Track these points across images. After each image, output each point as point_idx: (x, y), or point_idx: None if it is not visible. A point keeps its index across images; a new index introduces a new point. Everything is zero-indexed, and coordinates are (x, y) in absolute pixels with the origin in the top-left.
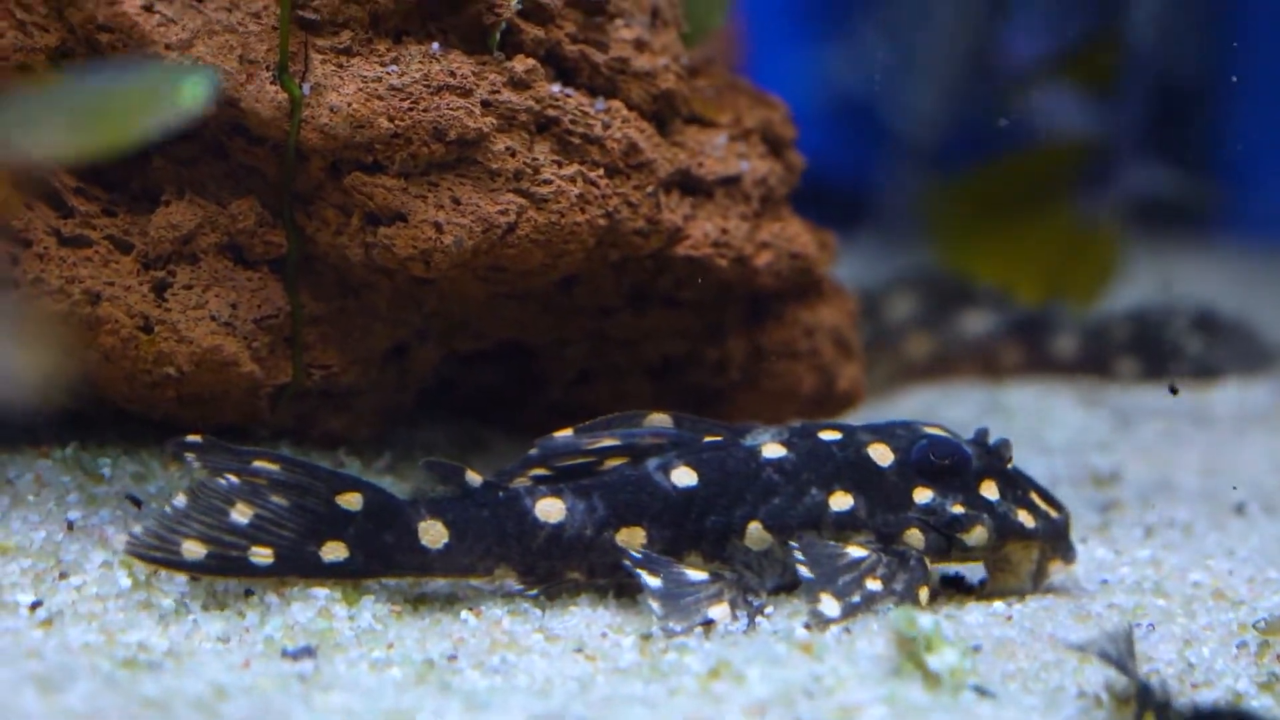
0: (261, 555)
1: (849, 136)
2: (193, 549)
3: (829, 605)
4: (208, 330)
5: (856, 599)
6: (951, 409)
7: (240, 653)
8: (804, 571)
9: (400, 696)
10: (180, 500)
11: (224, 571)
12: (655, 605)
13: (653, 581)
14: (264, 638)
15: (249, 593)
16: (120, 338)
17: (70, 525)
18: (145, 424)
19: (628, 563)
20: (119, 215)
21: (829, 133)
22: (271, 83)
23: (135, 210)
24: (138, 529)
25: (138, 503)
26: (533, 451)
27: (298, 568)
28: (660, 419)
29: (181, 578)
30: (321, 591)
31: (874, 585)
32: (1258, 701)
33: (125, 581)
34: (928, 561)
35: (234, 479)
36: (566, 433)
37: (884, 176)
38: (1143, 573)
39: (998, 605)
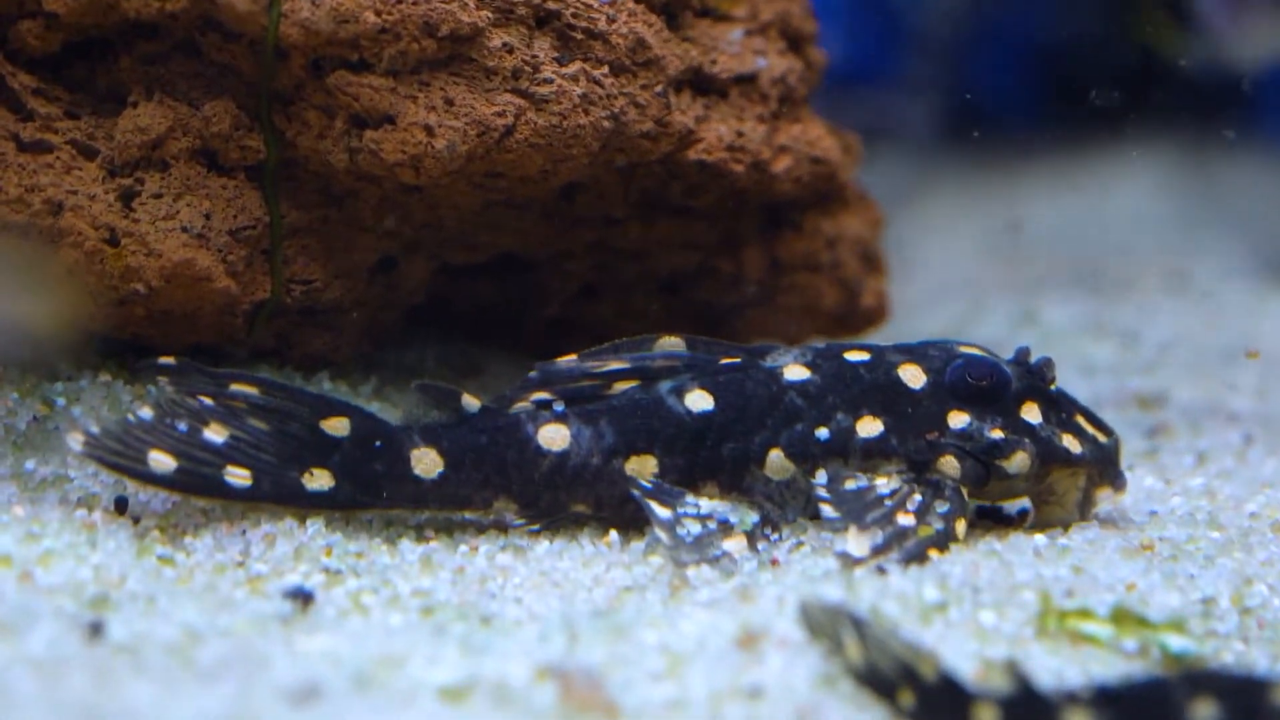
0: (238, 476)
1: (866, 31)
2: (161, 460)
3: (856, 544)
4: (179, 242)
5: (885, 536)
6: (981, 327)
7: (218, 592)
8: (828, 511)
9: (390, 640)
10: (146, 412)
11: (195, 490)
12: (664, 537)
13: (662, 512)
14: (251, 575)
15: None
16: (84, 251)
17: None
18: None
19: (636, 492)
20: (83, 118)
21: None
22: None
23: (100, 113)
24: (95, 427)
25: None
26: (532, 374)
27: (278, 494)
28: (672, 342)
29: (157, 504)
30: (310, 525)
31: (905, 520)
32: None
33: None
34: (964, 492)
35: (208, 401)
36: (570, 358)
37: (904, 73)
38: (1195, 503)
39: (1040, 539)
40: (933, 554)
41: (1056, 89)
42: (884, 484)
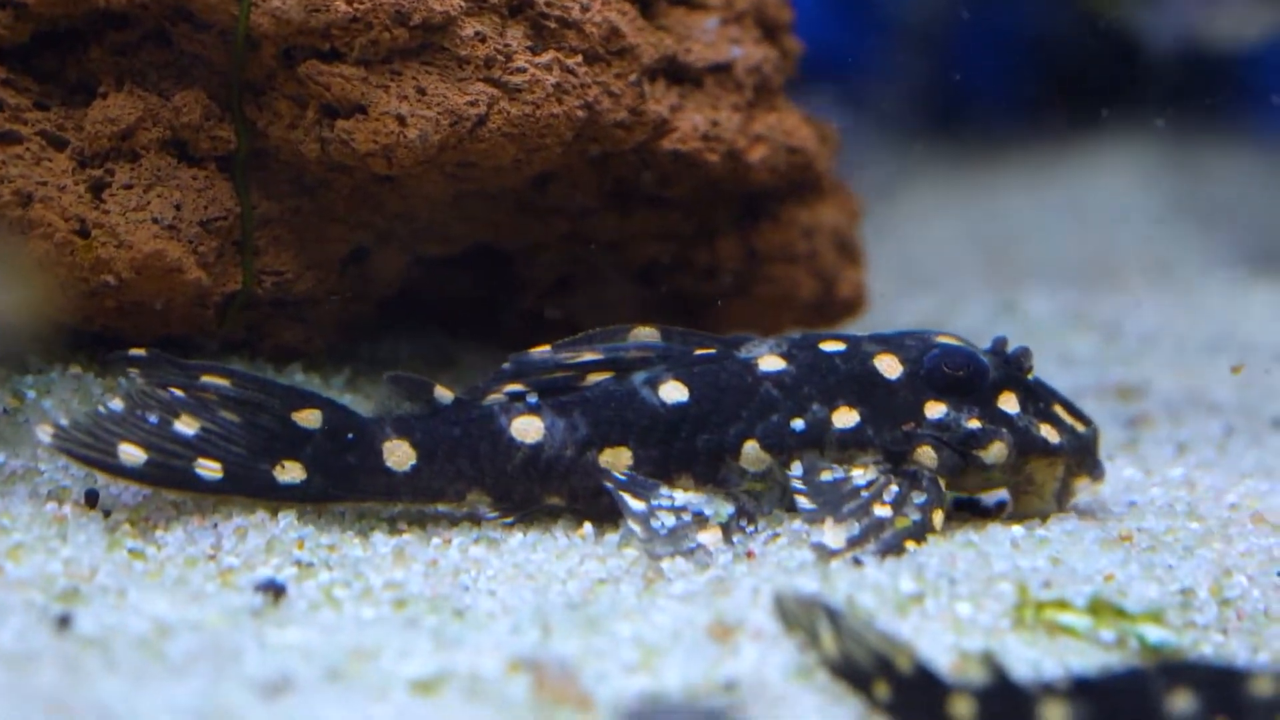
0: (209, 469)
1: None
2: (131, 453)
3: (832, 535)
4: (149, 234)
5: (861, 528)
6: (961, 318)
7: (190, 585)
8: (804, 502)
9: (362, 633)
10: (116, 404)
11: (165, 483)
12: (638, 529)
13: (636, 505)
14: (222, 567)
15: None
16: (54, 242)
17: None
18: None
19: (609, 484)
20: (52, 109)
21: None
22: None
23: (70, 103)
24: (64, 420)
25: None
26: (506, 365)
27: (249, 487)
28: (647, 332)
29: (128, 498)
30: (282, 518)
31: (882, 512)
32: None
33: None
34: (942, 482)
35: (178, 393)
36: (544, 349)
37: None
38: (1175, 494)
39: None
40: (910, 545)
41: (1038, 79)
42: (860, 475)
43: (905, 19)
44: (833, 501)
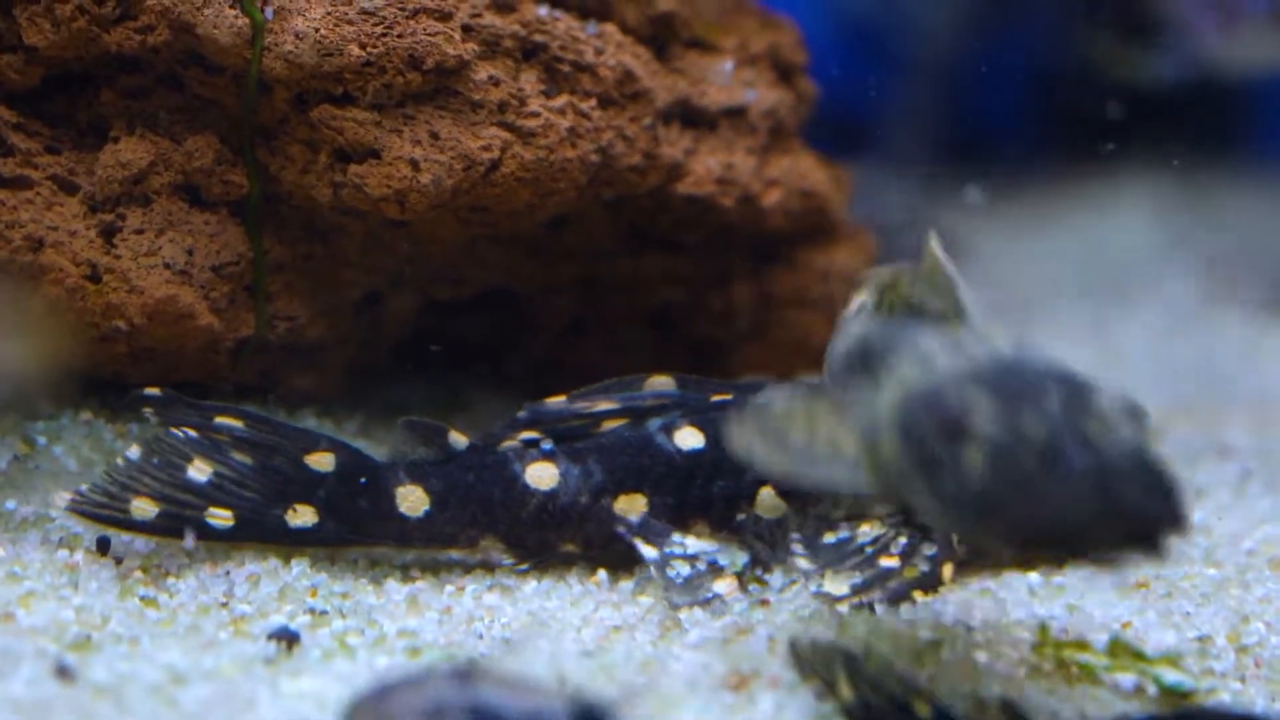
0: (220, 518)
1: (857, 61)
2: (143, 507)
3: (833, 584)
4: (161, 279)
5: (865, 578)
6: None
7: (203, 633)
8: (803, 565)
9: None
10: (134, 452)
11: (178, 533)
12: (655, 575)
13: (650, 552)
14: (235, 615)
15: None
16: (65, 287)
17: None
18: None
19: (623, 530)
20: (63, 153)
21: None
22: (231, 6)
23: (81, 148)
24: (84, 485)
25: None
26: (521, 413)
27: (260, 533)
28: (662, 381)
29: (140, 545)
30: (295, 565)
31: (889, 563)
32: None
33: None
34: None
35: (192, 433)
36: (559, 399)
37: (893, 101)
38: (1191, 539)
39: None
40: (918, 596)
41: (1052, 116)
42: (867, 531)
43: (917, 59)
44: (833, 561)
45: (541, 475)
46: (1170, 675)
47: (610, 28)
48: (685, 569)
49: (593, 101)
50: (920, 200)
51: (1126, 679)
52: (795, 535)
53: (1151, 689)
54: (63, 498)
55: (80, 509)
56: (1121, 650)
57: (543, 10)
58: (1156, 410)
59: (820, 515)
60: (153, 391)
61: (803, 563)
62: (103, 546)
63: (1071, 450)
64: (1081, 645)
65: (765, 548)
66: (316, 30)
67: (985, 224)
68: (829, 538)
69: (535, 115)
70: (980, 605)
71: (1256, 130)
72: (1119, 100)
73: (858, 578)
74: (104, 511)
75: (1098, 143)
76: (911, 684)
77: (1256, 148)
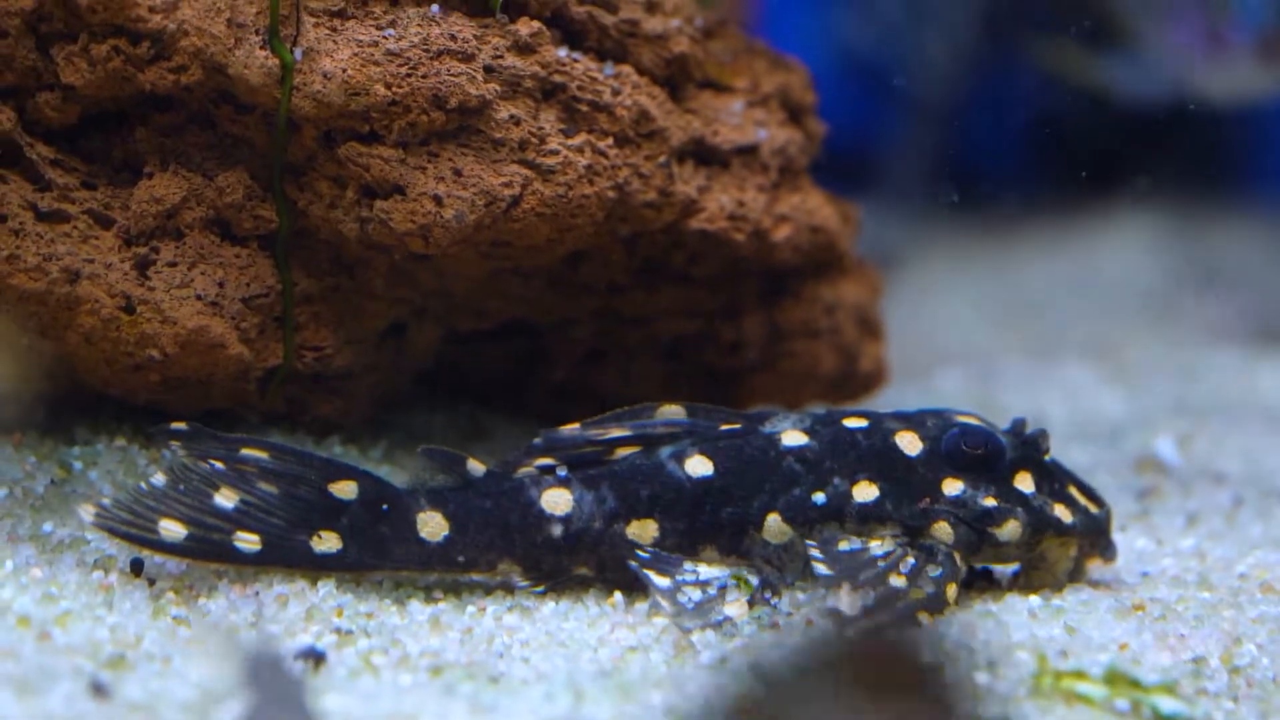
0: (248, 541)
1: (860, 97)
2: (171, 529)
3: (848, 602)
4: (193, 310)
5: (876, 597)
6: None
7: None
8: (821, 569)
9: (400, 699)
10: (158, 479)
11: (205, 556)
12: (666, 605)
13: (661, 581)
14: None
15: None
16: (100, 318)
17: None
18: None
19: (634, 564)
20: (99, 188)
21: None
22: (261, 47)
23: (116, 183)
24: (107, 500)
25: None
26: (537, 440)
27: (287, 558)
28: (673, 410)
29: (172, 566)
30: (322, 586)
31: (898, 582)
32: None
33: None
34: (957, 557)
35: (219, 465)
36: (573, 427)
37: (896, 138)
38: (1186, 564)
39: (1034, 600)
40: (923, 617)
41: (1049, 152)
42: (878, 546)
43: (919, 96)
44: (850, 569)
45: (557, 501)
46: (1167, 704)
47: (627, 69)
48: (696, 594)
49: (610, 140)
50: (920, 232)
51: (1123, 704)
52: (811, 543)
53: (1147, 715)
54: (88, 510)
55: (106, 524)
56: (1119, 679)
57: (562, 52)
58: (1153, 438)
59: (828, 540)
60: (179, 426)
61: (821, 568)
62: (136, 568)
63: None
64: (1079, 675)
65: (774, 571)
66: (344, 71)
67: (986, 253)
68: (844, 545)
69: (555, 153)
70: (981, 626)
71: (1246, 163)
72: (1116, 134)
73: (870, 596)
74: (131, 530)
75: (1095, 175)
76: None
77: (1245, 177)
